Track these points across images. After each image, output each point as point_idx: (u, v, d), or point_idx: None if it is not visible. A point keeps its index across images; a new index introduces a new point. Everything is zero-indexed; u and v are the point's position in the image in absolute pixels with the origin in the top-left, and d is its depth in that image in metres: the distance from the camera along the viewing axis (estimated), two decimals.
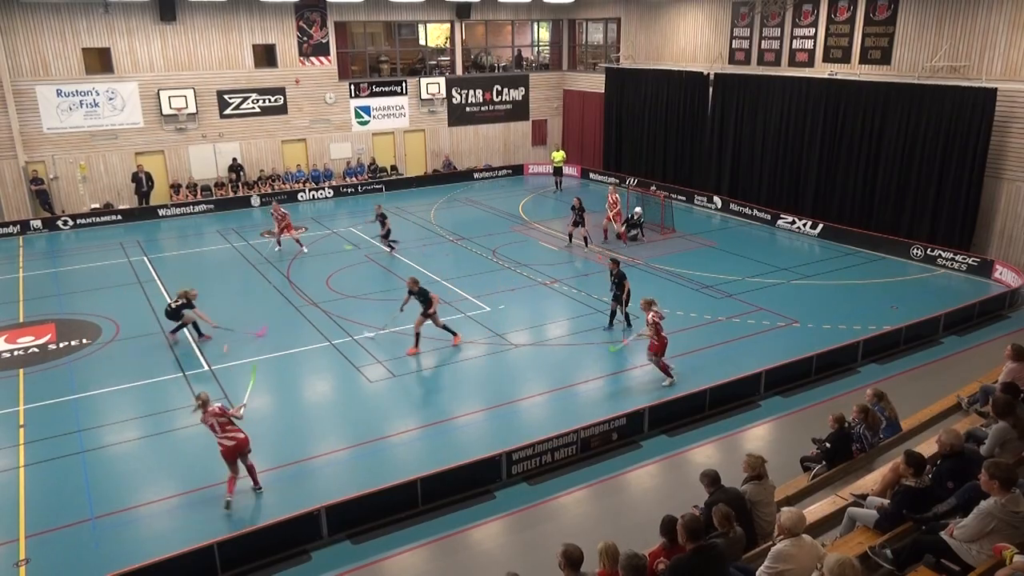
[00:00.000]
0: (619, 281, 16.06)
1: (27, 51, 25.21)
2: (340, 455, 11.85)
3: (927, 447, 9.18)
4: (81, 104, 26.34)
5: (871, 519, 7.78)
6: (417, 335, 15.39)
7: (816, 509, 8.60)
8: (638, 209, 24.07)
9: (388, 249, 22.32)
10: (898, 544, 7.17)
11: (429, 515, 10.24)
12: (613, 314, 16.43)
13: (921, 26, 21.25)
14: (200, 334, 16.16)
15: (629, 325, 16.35)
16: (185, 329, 16.14)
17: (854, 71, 23.00)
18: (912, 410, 11.50)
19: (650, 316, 13.64)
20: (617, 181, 29.69)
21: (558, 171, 31.65)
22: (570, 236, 22.76)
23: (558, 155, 31.86)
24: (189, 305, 15.86)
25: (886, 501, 7.85)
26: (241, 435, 10.46)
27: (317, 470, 11.45)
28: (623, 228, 23.12)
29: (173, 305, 15.96)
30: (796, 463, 10.36)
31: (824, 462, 9.92)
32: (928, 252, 20.56)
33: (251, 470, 10.75)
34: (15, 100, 25.14)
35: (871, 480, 8.86)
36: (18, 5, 24.55)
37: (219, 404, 10.79)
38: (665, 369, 13.89)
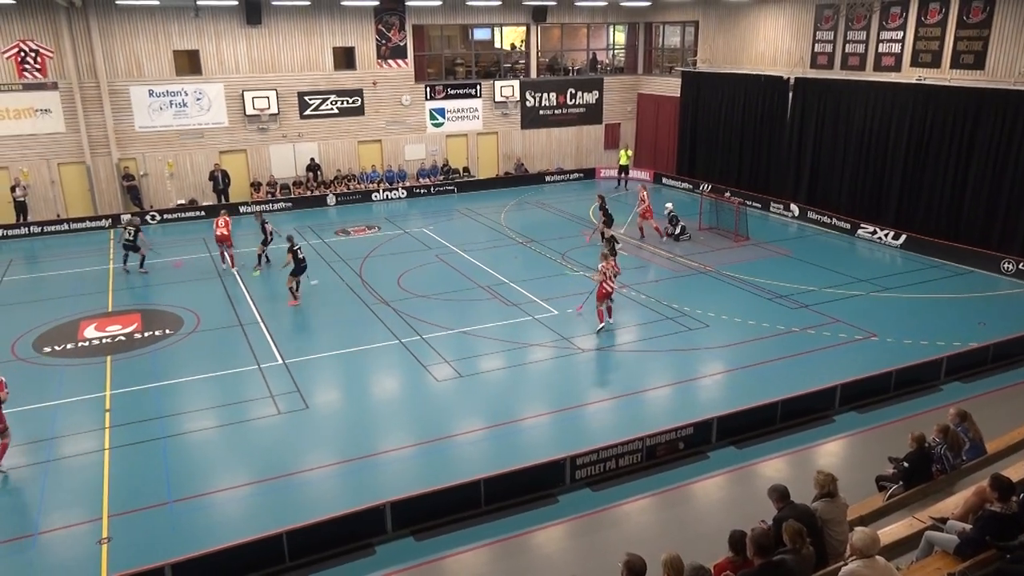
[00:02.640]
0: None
1: (123, 53, 26.51)
2: (406, 452, 12.03)
3: (1015, 472, 8.73)
4: (171, 104, 27.52)
5: (951, 544, 7.46)
6: (291, 289, 18.43)
7: (891, 531, 8.29)
8: (668, 205, 24.05)
9: (261, 258, 21.66)
10: (980, 572, 6.89)
11: (492, 516, 10.29)
12: (602, 235, 19.26)
13: (1018, 29, 20.19)
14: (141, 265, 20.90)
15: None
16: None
17: (944, 76, 22.05)
18: (998, 432, 10.94)
19: (601, 265, 15.69)
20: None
21: (623, 169, 31.97)
22: (602, 235, 21.76)
23: (624, 154, 31.94)
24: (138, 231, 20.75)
25: (968, 526, 7.51)
26: None
27: (383, 465, 11.65)
28: (656, 223, 23.40)
29: (131, 236, 20.54)
30: (871, 482, 10.00)
31: (901, 482, 9.54)
32: (1020, 266, 19.55)
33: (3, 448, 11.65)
34: (111, 100, 26.47)
35: (952, 503, 8.50)
36: (116, 9, 25.83)
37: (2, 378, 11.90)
38: (601, 315, 16.16)
